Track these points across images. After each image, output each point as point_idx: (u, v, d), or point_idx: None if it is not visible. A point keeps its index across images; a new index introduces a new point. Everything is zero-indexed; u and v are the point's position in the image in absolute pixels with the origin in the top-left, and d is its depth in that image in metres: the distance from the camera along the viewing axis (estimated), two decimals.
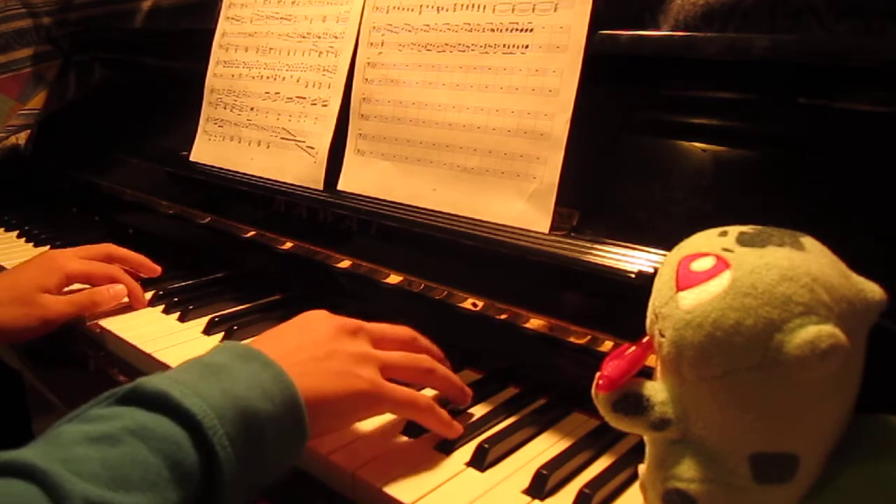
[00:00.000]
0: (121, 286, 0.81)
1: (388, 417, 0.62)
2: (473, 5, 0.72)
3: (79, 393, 0.87)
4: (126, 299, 0.82)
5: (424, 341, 0.64)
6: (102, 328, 0.79)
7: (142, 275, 0.88)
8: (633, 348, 0.47)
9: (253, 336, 0.75)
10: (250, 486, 0.45)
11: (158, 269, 0.89)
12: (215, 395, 0.44)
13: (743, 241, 0.43)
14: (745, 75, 0.59)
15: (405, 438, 0.60)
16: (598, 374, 0.46)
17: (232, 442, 0.43)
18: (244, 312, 0.82)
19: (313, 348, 0.54)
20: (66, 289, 0.82)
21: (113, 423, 0.41)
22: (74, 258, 0.83)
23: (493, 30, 0.70)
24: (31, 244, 1.10)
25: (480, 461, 0.56)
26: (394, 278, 0.75)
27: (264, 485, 0.47)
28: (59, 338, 0.84)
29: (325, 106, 0.84)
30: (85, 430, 0.40)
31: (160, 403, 0.42)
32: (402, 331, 0.63)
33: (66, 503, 0.36)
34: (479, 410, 0.63)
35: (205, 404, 0.43)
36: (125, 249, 0.88)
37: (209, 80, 0.99)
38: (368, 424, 0.61)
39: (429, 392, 0.62)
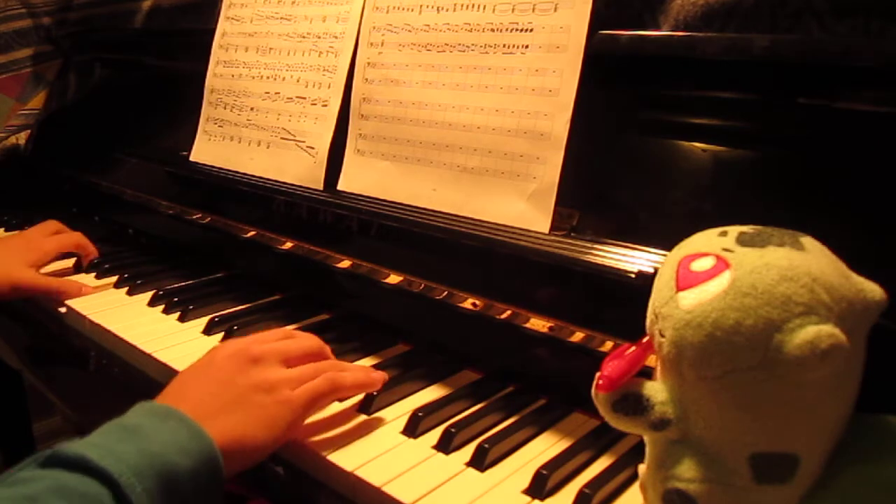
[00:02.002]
0: (86, 287, 0.89)
1: (387, 418, 0.62)
2: (473, 5, 0.72)
3: (78, 393, 0.87)
4: (92, 294, 0.89)
5: (328, 350, 0.66)
6: (102, 328, 0.79)
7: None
8: (633, 348, 0.47)
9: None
10: None
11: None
12: (132, 455, 0.46)
13: (743, 241, 0.43)
14: (745, 75, 0.59)
15: (405, 438, 0.60)
16: (598, 374, 0.46)
17: (150, 497, 0.45)
18: (244, 312, 0.83)
19: (222, 391, 0.56)
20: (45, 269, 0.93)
21: (36, 485, 0.43)
22: (50, 239, 0.96)
23: (493, 30, 0.70)
24: None
25: (480, 461, 0.56)
26: (394, 278, 0.75)
27: None
28: (59, 338, 0.85)
29: (325, 106, 0.84)
30: (8, 493, 0.42)
31: (80, 465, 0.45)
32: (310, 343, 0.64)
33: None
34: (478, 410, 0.63)
35: (122, 464, 0.45)
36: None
37: (209, 80, 0.99)
38: (368, 425, 0.61)
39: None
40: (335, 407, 0.64)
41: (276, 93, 0.90)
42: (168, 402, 0.54)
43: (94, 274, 0.95)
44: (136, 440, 0.48)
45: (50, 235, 0.97)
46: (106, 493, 0.44)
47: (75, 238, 0.98)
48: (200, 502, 0.49)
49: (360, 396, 0.64)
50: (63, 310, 0.85)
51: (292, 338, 0.65)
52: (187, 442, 0.49)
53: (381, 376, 0.63)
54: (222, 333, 0.77)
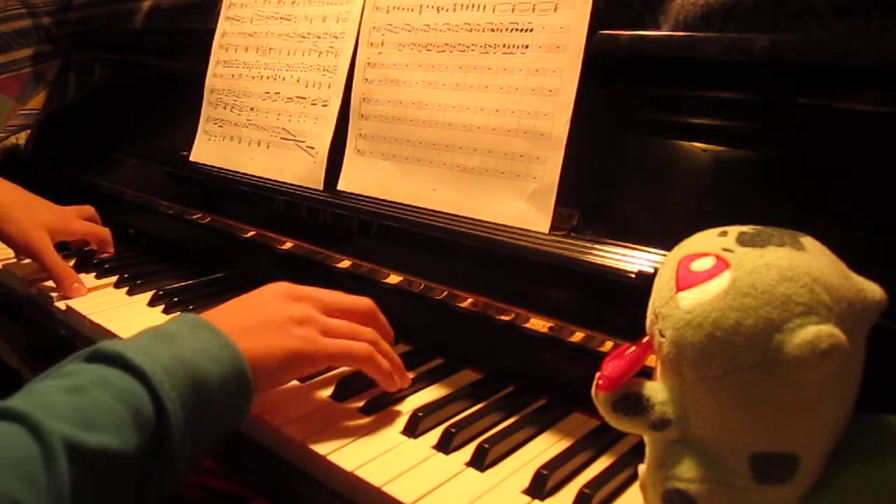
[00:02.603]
0: (83, 290, 0.89)
1: (387, 418, 0.62)
2: (473, 5, 0.72)
3: None
4: (107, 280, 0.92)
5: (381, 318, 0.67)
6: (102, 328, 0.79)
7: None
8: (633, 348, 0.47)
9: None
10: (198, 437, 0.51)
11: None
12: (164, 357, 0.50)
13: (743, 241, 0.43)
14: (745, 75, 0.59)
15: (405, 438, 0.60)
16: (598, 374, 0.46)
17: (179, 396, 0.49)
18: None
19: (258, 314, 0.60)
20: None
21: (81, 377, 0.48)
22: (82, 224, 1.00)
23: (493, 30, 0.70)
24: None
25: (480, 461, 0.56)
26: (394, 278, 0.75)
27: (213, 440, 0.54)
28: (58, 338, 0.85)
29: (325, 106, 0.84)
30: (58, 383, 0.47)
31: (118, 361, 0.49)
32: (358, 303, 0.67)
33: (45, 439, 0.42)
34: (478, 410, 0.63)
35: (155, 364, 0.49)
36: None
37: (209, 80, 0.99)
38: (368, 425, 0.61)
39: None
40: (335, 406, 0.64)
41: (276, 93, 0.90)
42: (208, 317, 0.57)
43: (94, 274, 0.95)
44: (170, 345, 0.52)
45: (83, 219, 1.00)
46: (142, 389, 0.48)
47: (104, 232, 1.01)
48: (229, 411, 0.54)
49: (361, 397, 0.64)
50: (62, 307, 0.85)
51: (344, 295, 0.67)
52: (217, 351, 0.53)
53: (407, 380, 0.64)
54: None
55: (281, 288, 0.64)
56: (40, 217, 0.93)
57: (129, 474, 0.46)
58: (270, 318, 0.59)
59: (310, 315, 0.61)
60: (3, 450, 0.41)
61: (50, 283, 0.90)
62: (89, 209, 1.03)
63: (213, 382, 0.52)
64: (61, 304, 0.85)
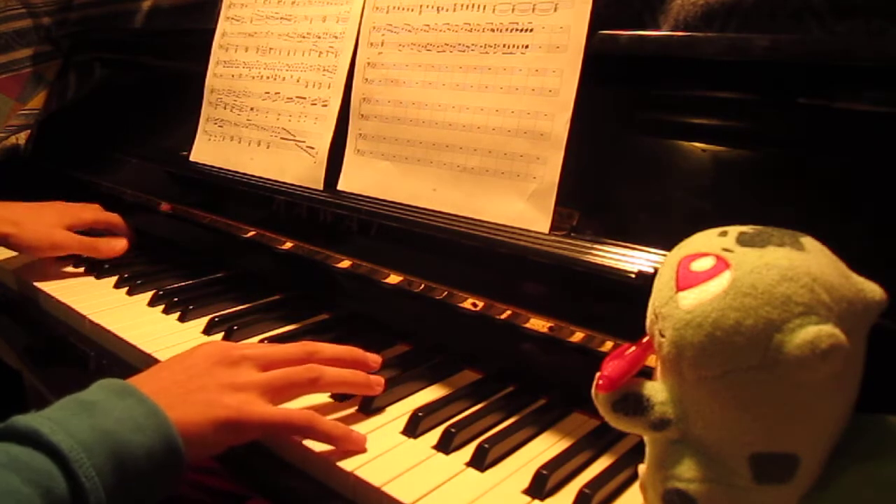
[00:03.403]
0: (122, 242, 0.99)
1: (387, 418, 0.62)
2: (473, 5, 0.72)
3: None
4: (107, 282, 0.93)
5: (327, 351, 0.64)
6: (102, 328, 0.79)
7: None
8: (633, 348, 0.47)
9: (253, 336, 0.75)
10: None
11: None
12: (84, 430, 0.47)
13: (743, 241, 0.43)
14: (745, 75, 0.59)
15: (405, 438, 0.60)
16: (598, 374, 0.46)
17: (99, 473, 0.46)
18: (244, 312, 0.82)
19: (188, 382, 0.56)
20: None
21: None
22: (91, 209, 1.03)
23: (493, 30, 0.70)
24: None
25: (480, 461, 0.56)
26: (394, 278, 0.75)
27: None
28: (58, 338, 0.85)
29: (325, 106, 0.84)
30: None
31: (31, 439, 0.46)
32: (294, 350, 0.63)
33: None
34: (478, 410, 0.63)
35: (72, 439, 0.46)
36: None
37: (209, 80, 0.99)
38: (368, 425, 0.61)
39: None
40: (335, 407, 0.63)
41: (276, 93, 0.90)
42: (135, 383, 0.54)
43: (94, 274, 0.95)
44: (91, 416, 0.49)
45: (89, 209, 1.04)
46: (55, 467, 0.45)
47: (113, 216, 1.04)
48: (158, 479, 0.50)
49: (361, 397, 0.64)
50: (62, 304, 0.85)
51: (280, 345, 0.64)
52: (143, 419, 0.50)
53: (360, 440, 0.57)
54: (222, 333, 0.77)
55: (214, 350, 0.60)
56: (50, 219, 0.96)
57: None
58: (202, 385, 0.56)
59: (243, 379, 0.58)
60: None
61: (50, 284, 0.90)
62: (93, 205, 1.05)
63: (137, 454, 0.48)
64: (62, 297, 0.86)
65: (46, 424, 0.47)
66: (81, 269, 0.97)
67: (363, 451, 0.57)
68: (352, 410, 0.63)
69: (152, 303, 0.85)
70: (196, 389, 0.56)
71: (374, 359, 0.66)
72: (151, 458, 0.49)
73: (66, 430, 0.46)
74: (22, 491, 0.43)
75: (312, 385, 0.61)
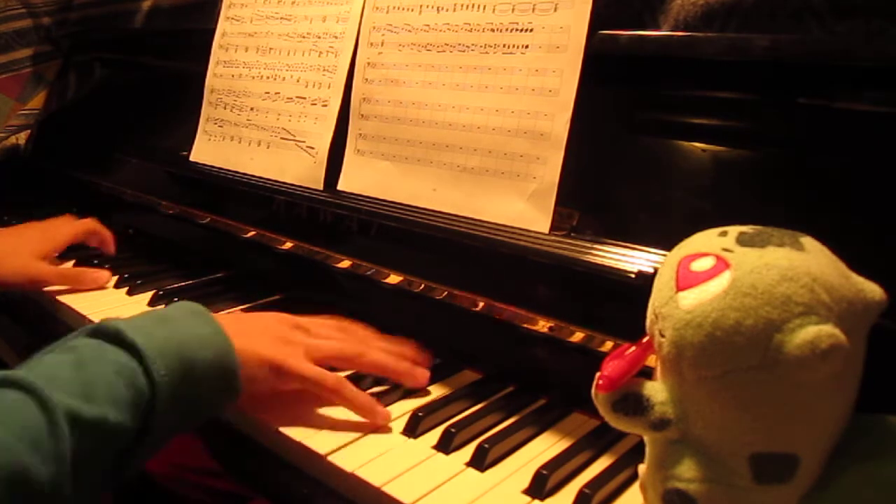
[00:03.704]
0: (105, 274, 0.92)
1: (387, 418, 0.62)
2: (473, 5, 0.72)
3: None
4: (108, 285, 0.92)
5: (376, 338, 0.70)
6: None
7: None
8: (633, 348, 0.47)
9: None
10: (182, 416, 0.55)
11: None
12: (159, 337, 0.54)
13: (743, 241, 0.43)
14: (745, 75, 0.59)
15: (405, 438, 0.60)
16: (598, 374, 0.46)
17: (169, 372, 0.53)
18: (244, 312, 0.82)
19: (255, 324, 0.65)
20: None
21: (83, 352, 0.52)
22: (66, 226, 0.99)
23: (493, 30, 0.70)
24: None
25: (480, 461, 0.56)
26: (394, 278, 0.75)
27: (194, 421, 0.57)
28: (59, 338, 0.84)
29: (325, 106, 0.84)
30: (63, 357, 0.52)
31: (118, 339, 0.53)
32: (348, 324, 0.70)
33: (50, 410, 0.46)
34: (478, 410, 0.63)
35: (150, 342, 0.53)
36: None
37: (209, 80, 0.99)
38: (368, 425, 0.61)
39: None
40: (335, 407, 0.63)
41: (276, 93, 0.90)
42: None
43: None
44: (166, 327, 0.56)
45: (66, 224, 0.99)
46: (137, 366, 0.52)
47: (89, 224, 1.00)
48: (215, 393, 0.57)
49: None
50: (63, 308, 0.85)
51: (343, 330, 0.70)
52: (210, 338, 0.57)
53: (384, 414, 0.62)
54: None
55: (280, 314, 0.67)
56: (26, 248, 0.91)
57: (119, 444, 0.50)
58: (265, 329, 0.64)
59: (298, 339, 0.64)
60: (12, 418, 0.45)
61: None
62: (67, 218, 1.02)
63: (202, 365, 0.55)
64: (62, 298, 0.86)
65: (129, 328, 0.54)
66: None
67: (386, 425, 0.61)
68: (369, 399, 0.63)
69: (152, 303, 0.85)
70: (258, 330, 0.63)
71: (424, 360, 0.70)
72: (213, 370, 0.56)
73: (145, 334, 0.54)
74: (114, 383, 0.50)
75: (352, 362, 0.66)
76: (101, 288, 0.90)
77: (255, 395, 0.60)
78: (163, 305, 0.83)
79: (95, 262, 0.97)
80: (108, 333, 0.54)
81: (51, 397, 0.46)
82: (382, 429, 0.61)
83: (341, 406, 0.61)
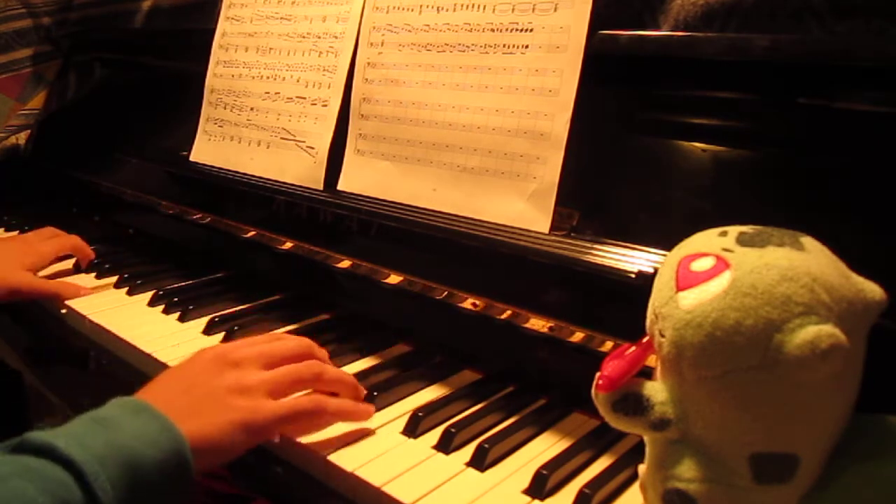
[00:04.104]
0: (84, 287, 0.90)
1: (388, 417, 0.62)
2: (473, 5, 0.72)
3: (79, 393, 0.87)
4: (91, 294, 0.90)
5: (320, 351, 0.65)
6: (102, 328, 0.79)
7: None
8: (633, 348, 0.47)
9: (253, 336, 0.75)
10: None
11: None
12: (98, 445, 0.48)
13: (743, 241, 0.43)
14: (745, 75, 0.59)
15: (405, 438, 0.60)
16: (598, 374, 0.46)
17: (114, 486, 0.47)
18: (244, 312, 0.83)
19: (195, 390, 0.57)
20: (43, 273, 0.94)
21: (3, 468, 0.45)
22: (52, 241, 0.97)
23: (493, 30, 0.70)
24: None
25: (480, 461, 0.56)
26: (394, 278, 0.75)
27: None
28: (59, 338, 0.85)
29: (325, 106, 0.84)
30: None
31: (46, 452, 0.46)
32: (295, 345, 0.64)
33: None
34: (478, 410, 0.63)
35: (87, 453, 0.47)
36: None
37: (209, 80, 0.99)
38: (368, 425, 0.61)
39: None
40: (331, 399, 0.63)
41: (276, 93, 0.90)
42: (144, 397, 0.55)
43: (94, 274, 0.95)
44: (106, 431, 0.50)
45: (47, 239, 0.98)
46: (70, 479, 0.46)
47: (72, 240, 0.99)
48: (169, 492, 0.51)
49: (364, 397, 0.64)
50: (63, 310, 0.85)
51: (280, 340, 0.65)
52: (157, 434, 0.51)
53: (368, 410, 0.61)
54: (222, 333, 0.77)
55: (215, 353, 0.61)
56: (11, 260, 0.91)
57: None
58: (209, 392, 0.57)
59: (250, 380, 0.58)
60: None
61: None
62: (49, 230, 1.01)
63: (150, 468, 0.49)
64: (62, 307, 0.86)
65: (62, 438, 0.47)
66: (80, 271, 0.97)
67: (368, 419, 0.61)
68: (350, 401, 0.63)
69: (152, 303, 0.85)
70: (204, 397, 0.56)
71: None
72: (163, 471, 0.50)
73: (81, 444, 0.47)
74: (38, 501, 0.43)
75: (316, 381, 0.62)
76: (96, 290, 0.90)
77: (228, 460, 0.56)
78: (163, 305, 0.84)
79: (95, 261, 0.98)
80: (36, 447, 0.47)
81: None
82: (382, 428, 0.61)
83: (328, 423, 0.59)
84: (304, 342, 0.65)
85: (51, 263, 0.95)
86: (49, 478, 0.45)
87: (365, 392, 0.64)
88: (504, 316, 0.67)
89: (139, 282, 0.90)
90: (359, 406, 0.60)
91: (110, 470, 0.47)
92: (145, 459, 0.49)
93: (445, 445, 0.58)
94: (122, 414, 0.52)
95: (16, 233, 1.14)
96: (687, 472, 0.44)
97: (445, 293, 0.71)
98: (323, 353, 0.66)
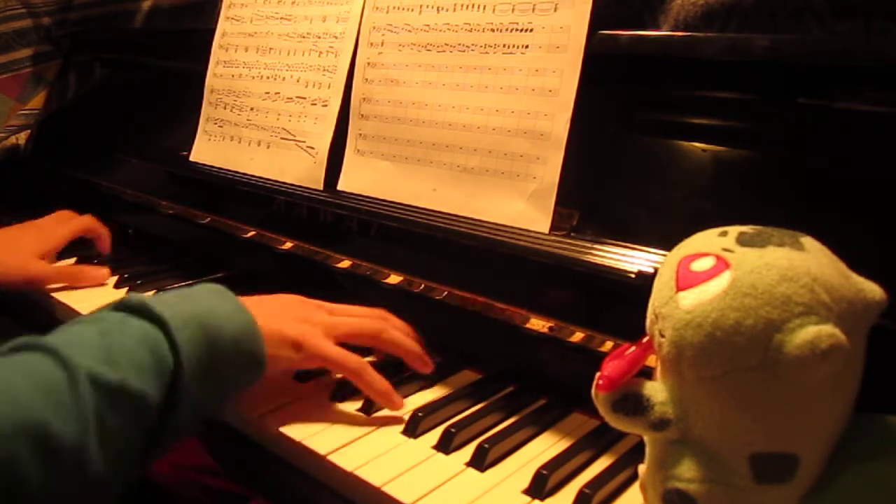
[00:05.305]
0: (104, 270, 0.92)
1: (388, 418, 0.62)
2: (473, 5, 0.72)
3: None
4: (108, 283, 0.92)
5: (396, 322, 0.70)
6: None
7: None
8: (633, 348, 0.47)
9: None
10: (209, 389, 0.54)
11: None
12: (185, 311, 0.55)
13: (743, 241, 0.43)
14: (745, 75, 0.59)
15: (405, 438, 0.60)
16: (598, 375, 0.46)
17: (194, 345, 0.53)
18: None
19: (276, 303, 0.66)
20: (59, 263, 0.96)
21: (107, 323, 0.53)
22: (64, 225, 0.98)
23: (493, 30, 0.70)
24: None
25: (480, 461, 0.56)
26: (394, 278, 0.75)
27: (222, 395, 0.57)
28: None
29: (325, 106, 0.84)
30: (87, 327, 0.52)
31: (141, 311, 0.54)
32: (369, 309, 0.70)
33: (72, 370, 0.47)
34: (478, 410, 0.63)
35: (174, 314, 0.54)
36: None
37: (209, 80, 0.99)
38: (368, 425, 0.61)
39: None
40: (334, 407, 0.64)
41: (276, 93, 0.90)
42: None
43: None
44: (191, 303, 0.56)
45: (63, 223, 0.99)
46: (161, 336, 0.52)
47: (86, 221, 1.00)
48: (240, 368, 0.57)
49: (363, 397, 0.64)
50: (64, 312, 0.85)
51: (356, 309, 0.69)
52: (233, 313, 0.58)
53: (398, 402, 0.63)
54: None
55: (295, 296, 0.68)
56: (24, 249, 0.91)
57: (144, 420, 0.50)
58: (285, 308, 0.65)
59: (315, 317, 0.64)
60: (35, 377, 0.46)
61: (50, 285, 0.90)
62: (66, 213, 1.01)
63: (226, 339, 0.55)
64: (61, 297, 0.86)
65: (154, 301, 0.55)
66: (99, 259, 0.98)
67: (400, 415, 0.62)
68: (353, 410, 0.63)
69: None
70: (279, 309, 0.64)
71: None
72: (237, 345, 0.56)
73: (170, 308, 0.54)
74: (136, 350, 0.50)
75: (374, 338, 0.66)
76: (101, 285, 0.90)
77: (274, 374, 0.61)
78: None
79: (95, 261, 0.97)
80: (133, 307, 0.54)
81: (71, 358, 0.47)
82: (382, 428, 0.61)
83: (359, 389, 0.62)
84: (378, 311, 0.70)
85: (67, 243, 0.96)
86: (143, 333, 0.52)
87: (430, 362, 0.67)
88: (504, 316, 0.67)
89: (139, 282, 0.90)
90: (392, 395, 0.62)
91: (193, 331, 0.53)
92: (223, 331, 0.55)
93: (445, 445, 0.58)
94: (206, 294, 0.59)
95: (27, 222, 1.14)
96: (687, 472, 0.44)
97: (445, 293, 0.71)
98: (397, 321, 0.69)
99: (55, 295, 0.88)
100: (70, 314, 0.84)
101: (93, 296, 0.88)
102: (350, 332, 0.65)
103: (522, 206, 0.67)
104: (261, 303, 0.63)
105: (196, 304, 0.56)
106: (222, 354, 0.55)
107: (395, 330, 0.67)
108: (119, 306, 0.55)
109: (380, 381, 0.62)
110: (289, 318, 0.63)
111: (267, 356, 0.58)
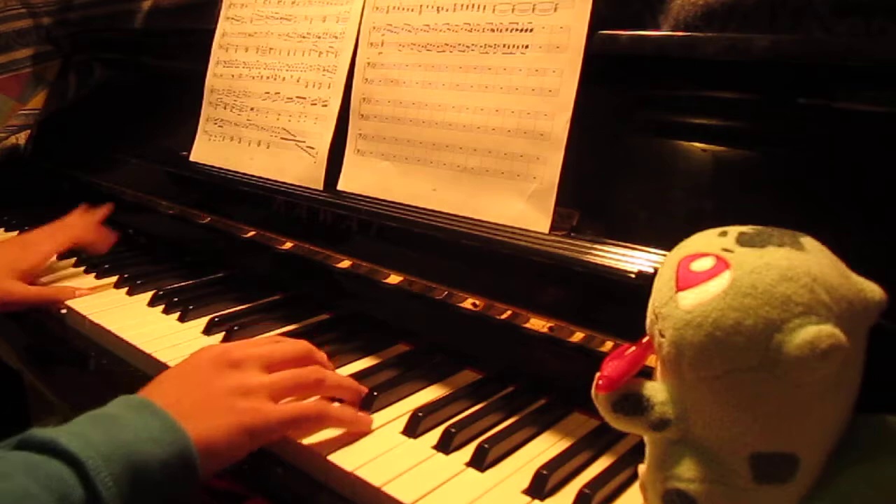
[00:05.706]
0: (82, 289, 0.89)
1: (388, 417, 0.62)
2: (473, 5, 0.72)
3: (78, 393, 0.87)
4: (91, 294, 0.90)
5: (319, 354, 0.66)
6: (102, 328, 0.79)
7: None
8: (633, 348, 0.47)
9: (253, 336, 0.75)
10: None
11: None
12: (101, 441, 0.48)
13: (743, 241, 0.43)
14: (745, 75, 0.59)
15: (405, 438, 0.60)
16: (598, 375, 0.46)
17: (116, 482, 0.46)
18: (244, 312, 0.83)
19: (199, 390, 0.57)
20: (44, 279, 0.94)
21: (5, 463, 0.45)
22: (47, 242, 0.94)
23: (493, 30, 0.70)
24: None
25: (480, 461, 0.56)
26: (394, 278, 0.75)
27: None
28: (59, 338, 0.85)
29: (325, 106, 0.84)
30: None
31: (48, 448, 0.46)
32: (295, 349, 0.64)
33: None
34: (478, 410, 0.63)
35: (90, 448, 0.47)
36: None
37: (209, 80, 0.99)
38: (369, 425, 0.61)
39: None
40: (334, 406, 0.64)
41: (276, 93, 0.90)
42: (147, 394, 0.55)
43: (93, 274, 0.95)
44: (109, 428, 0.49)
45: (77, 219, 0.99)
46: (72, 474, 0.45)
47: (74, 235, 0.97)
48: (173, 492, 0.50)
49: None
50: (64, 310, 0.85)
51: (279, 343, 0.65)
52: (160, 433, 0.50)
53: (368, 420, 0.61)
54: (222, 333, 0.77)
55: (215, 353, 0.61)
56: (4, 265, 0.88)
57: None
58: (212, 393, 0.56)
59: (252, 382, 0.58)
60: None
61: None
62: (81, 207, 1.01)
63: (153, 466, 0.49)
64: (62, 307, 0.86)
65: (64, 435, 0.47)
66: (81, 270, 0.97)
67: (368, 430, 0.60)
68: (352, 411, 0.63)
69: (152, 303, 0.85)
70: (207, 398, 0.56)
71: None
72: (167, 469, 0.49)
73: (83, 440, 0.47)
74: (39, 496, 0.43)
75: (317, 387, 0.62)
76: (96, 290, 0.90)
77: (230, 463, 0.56)
78: (163, 305, 0.84)
79: (95, 261, 0.98)
80: (38, 443, 0.47)
81: None
82: (382, 428, 0.61)
83: (328, 428, 0.59)
84: (303, 345, 0.65)
85: (50, 259, 0.94)
86: (50, 473, 0.45)
87: (366, 391, 0.64)
88: (504, 316, 0.67)
89: (139, 282, 0.90)
90: (359, 417, 0.60)
91: (113, 466, 0.47)
92: (149, 457, 0.49)
93: (445, 445, 0.58)
94: (124, 411, 0.52)
95: (16, 233, 1.15)
96: (687, 472, 0.44)
97: (445, 293, 0.71)
98: (322, 355, 0.66)
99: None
100: (72, 316, 0.84)
101: (94, 296, 0.88)
102: (292, 387, 0.60)
103: (522, 206, 0.67)
104: (183, 394, 0.56)
105: (116, 430, 0.49)
106: (150, 484, 0.48)
107: (330, 373, 0.63)
108: (23, 443, 0.47)
109: (342, 412, 0.60)
110: (224, 404, 0.55)
111: (199, 473, 0.51)
